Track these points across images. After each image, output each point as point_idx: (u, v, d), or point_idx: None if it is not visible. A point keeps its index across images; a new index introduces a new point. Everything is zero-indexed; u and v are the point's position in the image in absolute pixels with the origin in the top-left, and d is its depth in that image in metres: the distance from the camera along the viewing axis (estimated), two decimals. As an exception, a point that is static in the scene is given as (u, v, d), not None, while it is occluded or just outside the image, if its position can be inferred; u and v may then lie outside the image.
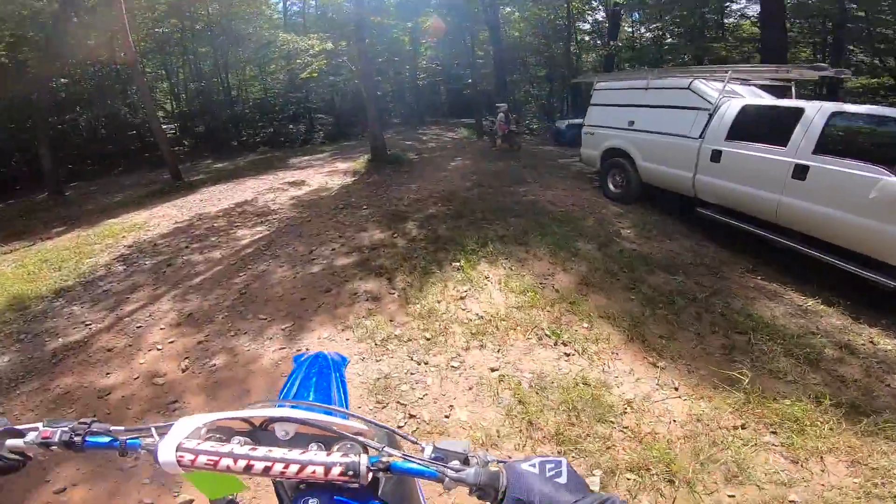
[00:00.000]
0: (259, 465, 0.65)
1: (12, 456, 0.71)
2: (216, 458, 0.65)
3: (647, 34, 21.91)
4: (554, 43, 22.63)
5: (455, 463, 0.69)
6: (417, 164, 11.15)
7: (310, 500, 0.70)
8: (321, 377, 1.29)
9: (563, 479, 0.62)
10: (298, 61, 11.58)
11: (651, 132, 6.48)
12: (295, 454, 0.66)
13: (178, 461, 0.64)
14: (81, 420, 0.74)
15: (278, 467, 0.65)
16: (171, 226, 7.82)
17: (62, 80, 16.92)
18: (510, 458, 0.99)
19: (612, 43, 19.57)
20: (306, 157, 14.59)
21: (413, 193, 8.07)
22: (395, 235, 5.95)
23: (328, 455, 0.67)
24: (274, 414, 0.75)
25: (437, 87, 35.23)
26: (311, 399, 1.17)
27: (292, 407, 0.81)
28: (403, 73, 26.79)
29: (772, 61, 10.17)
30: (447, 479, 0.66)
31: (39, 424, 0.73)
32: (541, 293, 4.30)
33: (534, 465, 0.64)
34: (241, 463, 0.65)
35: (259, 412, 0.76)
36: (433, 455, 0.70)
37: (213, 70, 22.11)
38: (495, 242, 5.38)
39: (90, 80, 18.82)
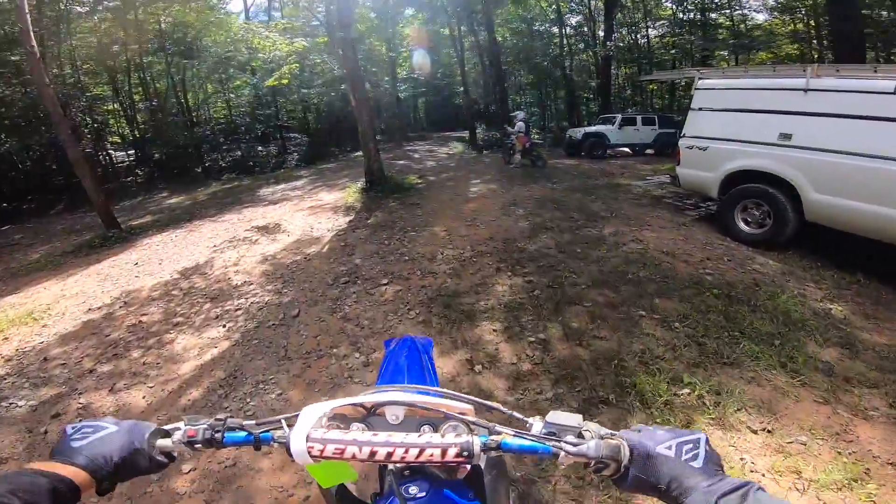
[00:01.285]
0: (382, 452, 0.63)
1: (160, 457, 0.69)
2: (343, 447, 0.63)
3: (652, 31, 19.95)
4: (541, 46, 20.34)
5: (569, 437, 0.64)
6: (427, 191, 8.45)
7: (411, 487, 0.71)
8: (412, 360, 1.27)
9: (698, 462, 0.57)
10: (264, 67, 8.72)
11: (832, 151, 4.03)
12: (413, 438, 0.64)
13: (308, 451, 0.63)
14: (217, 417, 0.71)
15: (399, 452, 0.63)
16: (81, 316, 4.93)
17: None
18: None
19: (608, 43, 17.44)
20: (280, 186, 11.65)
21: (447, 244, 5.38)
22: (470, 362, 3.10)
23: (442, 437, 0.65)
24: (387, 398, 0.72)
25: (415, 99, 32.76)
26: (406, 381, 1.16)
27: (402, 391, 0.76)
28: (382, 84, 24.08)
29: (848, 57, 8.07)
30: (563, 453, 0.62)
31: (181, 424, 0.71)
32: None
33: (670, 448, 0.59)
34: (366, 450, 0.63)
35: (374, 397, 0.73)
36: (544, 430, 0.66)
37: (170, 89, 18.81)
38: (689, 375, 2.73)
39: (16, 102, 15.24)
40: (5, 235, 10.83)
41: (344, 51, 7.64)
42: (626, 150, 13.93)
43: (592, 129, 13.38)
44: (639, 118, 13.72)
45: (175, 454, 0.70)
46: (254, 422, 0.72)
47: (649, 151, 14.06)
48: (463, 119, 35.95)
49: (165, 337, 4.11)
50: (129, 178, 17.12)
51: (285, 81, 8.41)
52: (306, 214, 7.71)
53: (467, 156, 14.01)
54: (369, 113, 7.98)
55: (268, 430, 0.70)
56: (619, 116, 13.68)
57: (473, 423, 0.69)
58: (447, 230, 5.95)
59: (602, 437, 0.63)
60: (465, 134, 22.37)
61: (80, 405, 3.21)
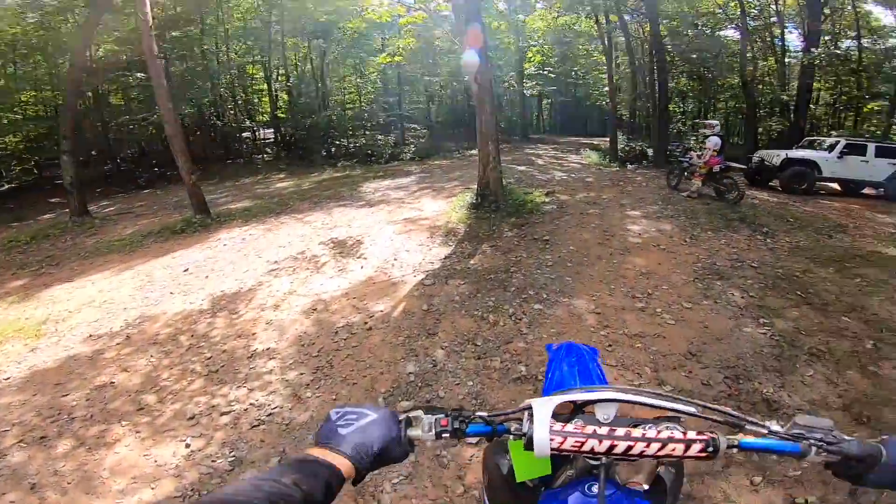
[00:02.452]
0: (622, 446, 0.60)
1: (408, 447, 0.67)
2: (583, 440, 0.61)
3: (866, 41, 14.30)
4: (712, 46, 15.63)
5: (817, 436, 0.59)
6: (559, 218, 5.88)
7: (594, 486, 0.67)
8: (581, 365, 1.17)
9: None
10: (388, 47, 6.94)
11: None
12: (652, 433, 0.61)
13: (549, 444, 0.61)
14: (453, 409, 0.69)
15: (640, 446, 0.60)
16: (73, 347, 3.57)
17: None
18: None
19: (813, 50, 12.47)
20: (386, 182, 10.00)
21: (601, 346, 2.86)
22: None
23: (685, 434, 0.61)
24: (613, 396, 0.67)
25: (541, 98, 29.57)
26: (577, 384, 1.08)
27: (617, 391, 0.69)
28: (508, 80, 21.59)
29: None
30: (812, 452, 0.58)
31: (420, 412, 0.68)
32: None
33: None
34: (606, 444, 0.60)
35: (598, 394, 0.68)
36: (790, 430, 0.61)
37: (308, 71, 18.71)
38: None
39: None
40: (130, 202, 10.96)
41: (469, 20, 5.39)
42: (836, 186, 9.55)
43: (798, 154, 9.28)
44: (871, 146, 9.21)
45: (416, 444, 0.68)
46: (486, 414, 0.69)
47: (869, 191, 9.50)
48: (593, 126, 32.06)
49: (109, 433, 2.41)
50: (259, 155, 17.28)
51: (399, 59, 6.56)
52: (397, 231, 5.72)
53: (606, 169, 10.92)
54: (492, 104, 5.65)
55: (503, 423, 0.69)
56: (841, 141, 9.34)
57: (699, 420, 0.65)
58: (598, 310, 3.40)
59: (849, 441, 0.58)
60: (600, 141, 18.91)
61: None
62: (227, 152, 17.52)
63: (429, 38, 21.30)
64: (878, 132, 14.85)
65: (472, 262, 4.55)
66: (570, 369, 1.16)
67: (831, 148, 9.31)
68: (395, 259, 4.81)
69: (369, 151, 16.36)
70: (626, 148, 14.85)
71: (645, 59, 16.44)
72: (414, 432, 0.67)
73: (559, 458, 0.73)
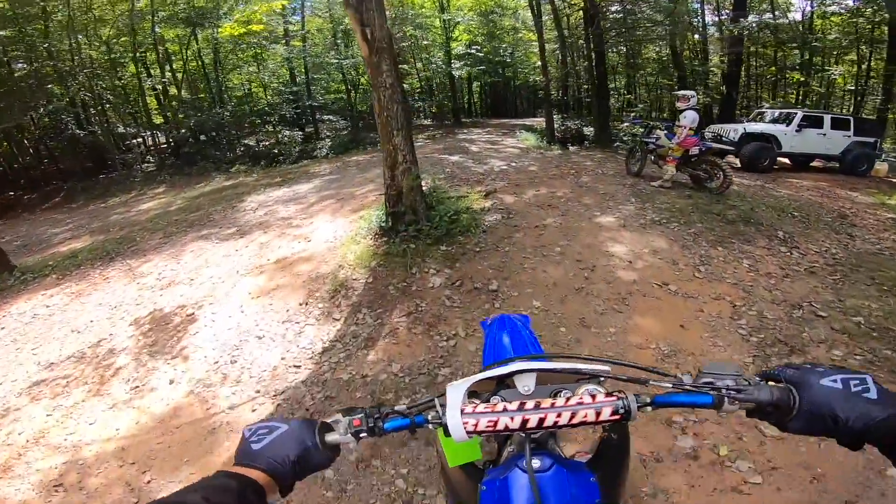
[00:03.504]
0: (534, 418, 0.58)
1: (329, 452, 0.64)
2: (495, 419, 0.59)
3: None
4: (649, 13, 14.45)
5: (728, 383, 0.57)
6: (508, 239, 3.98)
7: (534, 461, 0.63)
8: (514, 336, 1.19)
9: (872, 395, 0.50)
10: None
11: None
12: (561, 402, 0.59)
13: (464, 428, 0.59)
14: (371, 406, 0.67)
15: (552, 417, 0.57)
16: None
17: None
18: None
19: (742, 21, 11.63)
20: (280, 191, 7.59)
21: None
22: None
23: (594, 399, 0.58)
24: (521, 367, 0.65)
25: (470, 81, 27.64)
26: (511, 354, 1.10)
27: (531, 360, 0.69)
28: (434, 61, 19.46)
29: None
30: (726, 402, 0.55)
31: (338, 416, 0.66)
32: None
33: (835, 381, 0.52)
34: (518, 419, 0.58)
35: (508, 367, 0.66)
36: (700, 381, 0.59)
37: (197, 66, 15.24)
38: None
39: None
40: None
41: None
42: (787, 161, 8.65)
43: (756, 128, 8.15)
44: (827, 118, 8.33)
45: (341, 446, 0.66)
46: (405, 406, 0.67)
47: (818, 164, 8.74)
48: (523, 107, 30.74)
49: None
50: (140, 165, 13.74)
51: (256, 28, 4.20)
52: (257, 292, 3.51)
53: (548, 153, 9.26)
54: (395, 74, 3.54)
55: (419, 413, 0.66)
56: (798, 113, 8.35)
57: (615, 381, 0.65)
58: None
59: (767, 381, 0.56)
60: (532, 122, 17.43)
61: None
62: (98, 165, 13.85)
63: (336, 16, 18.55)
64: (799, 104, 14.73)
65: (370, 356, 2.52)
66: (502, 340, 1.17)
67: (787, 120, 8.31)
68: (234, 360, 2.65)
69: (276, 151, 13.60)
70: (562, 128, 13.44)
71: (577, 29, 15.04)
72: (332, 437, 0.64)
73: (503, 437, 0.76)
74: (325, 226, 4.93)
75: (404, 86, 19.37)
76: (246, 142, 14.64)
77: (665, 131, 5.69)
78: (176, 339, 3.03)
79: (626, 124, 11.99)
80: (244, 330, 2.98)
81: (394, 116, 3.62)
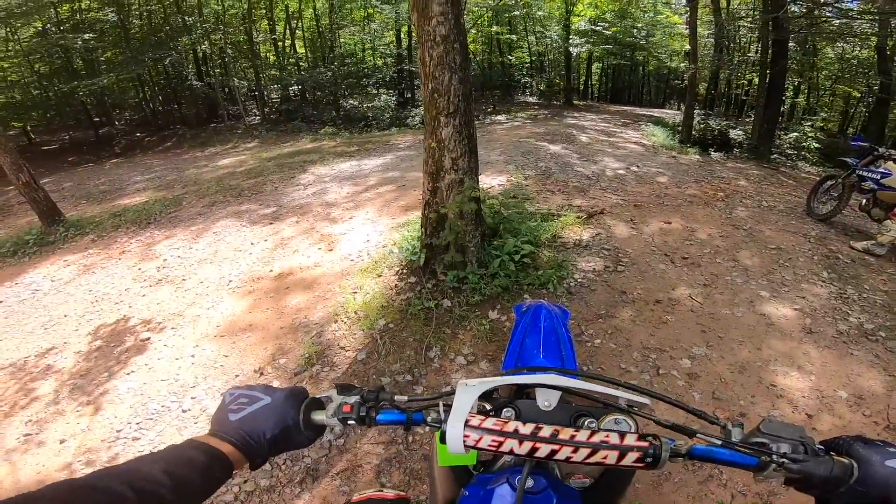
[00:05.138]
0: (544, 449, 0.50)
1: (312, 431, 0.59)
2: (500, 440, 0.51)
3: None
4: None
5: (782, 448, 0.49)
6: (614, 318, 2.41)
7: (528, 479, 0.56)
8: (549, 332, 1.05)
9: None
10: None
11: None
12: (583, 436, 0.50)
13: (463, 440, 0.52)
14: (370, 389, 0.61)
15: (566, 451, 0.50)
16: None
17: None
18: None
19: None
20: (347, 164, 6.69)
21: None
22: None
23: (622, 440, 0.50)
24: (552, 382, 0.57)
25: (590, 61, 24.22)
26: (541, 354, 0.97)
27: (560, 374, 0.60)
28: (549, 35, 17.18)
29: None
30: (772, 467, 0.48)
31: (332, 392, 0.61)
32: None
33: None
34: (526, 446, 0.50)
35: (530, 378, 0.58)
36: (751, 438, 0.51)
37: (314, 19, 15.04)
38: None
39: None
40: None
41: None
42: None
43: None
44: None
45: (325, 427, 0.61)
46: (406, 398, 0.61)
47: None
48: (650, 96, 26.32)
49: None
50: (242, 119, 14.10)
51: None
52: (225, 329, 2.51)
53: (683, 158, 7.00)
54: (455, 29, 2.06)
55: (420, 410, 0.60)
56: None
57: (646, 419, 0.55)
58: None
59: (829, 453, 0.50)
60: (663, 114, 14.38)
61: None
62: (210, 115, 14.59)
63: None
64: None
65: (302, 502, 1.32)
66: (535, 338, 1.03)
67: None
68: (140, 434, 1.90)
69: (369, 115, 12.95)
70: (702, 126, 10.57)
71: (736, 13, 11.63)
72: (318, 416, 0.59)
73: None
74: (361, 227, 3.75)
75: (510, 58, 17.45)
76: (343, 103, 14.24)
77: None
78: (108, 375, 2.26)
79: (793, 135, 8.94)
80: (179, 387, 2.11)
81: (443, 92, 2.19)
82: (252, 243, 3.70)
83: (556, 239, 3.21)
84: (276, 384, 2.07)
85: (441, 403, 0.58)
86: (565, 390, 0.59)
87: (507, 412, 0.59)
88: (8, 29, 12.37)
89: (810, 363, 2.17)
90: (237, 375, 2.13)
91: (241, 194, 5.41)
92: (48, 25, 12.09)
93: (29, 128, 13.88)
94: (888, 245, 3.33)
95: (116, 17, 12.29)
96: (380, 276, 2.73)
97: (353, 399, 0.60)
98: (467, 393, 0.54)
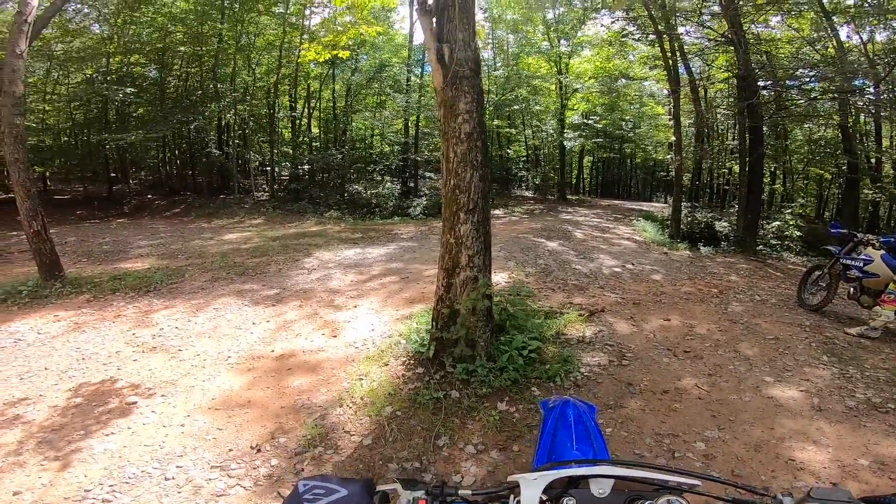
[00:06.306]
0: None
1: None
2: None
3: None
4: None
5: None
6: (622, 411, 2.35)
7: None
8: (578, 424, 1.08)
9: None
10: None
11: None
12: None
13: None
14: (434, 485, 0.63)
15: None
16: None
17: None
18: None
19: None
20: (351, 252, 6.89)
21: None
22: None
23: None
24: (608, 472, 0.63)
25: (582, 154, 26.28)
26: (574, 448, 1.00)
27: (611, 465, 0.67)
28: (545, 128, 18.70)
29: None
30: None
31: (397, 486, 0.63)
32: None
33: None
34: None
35: (592, 470, 0.64)
36: None
37: (330, 100, 16.30)
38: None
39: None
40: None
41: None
42: None
43: None
44: None
45: None
46: (470, 492, 0.63)
47: None
48: (637, 188, 28.06)
49: None
50: (251, 193, 14.64)
51: (345, 54, 3.52)
52: (220, 402, 2.42)
53: (675, 254, 7.31)
54: (478, 127, 2.34)
55: (487, 502, 0.63)
56: None
57: (700, 496, 0.59)
58: None
59: None
60: (651, 208, 15.25)
61: None
62: (221, 186, 15.24)
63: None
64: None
65: None
66: (566, 432, 1.05)
67: None
68: (110, 501, 1.62)
69: (373, 202, 13.54)
70: (689, 219, 11.13)
71: (724, 98, 12.87)
72: None
73: None
74: (365, 316, 3.79)
75: (508, 151, 18.82)
76: (349, 187, 14.91)
77: (883, 251, 3.66)
78: (83, 433, 2.18)
79: (775, 223, 9.39)
80: (164, 454, 2.02)
81: (465, 189, 2.41)
82: (254, 323, 3.70)
83: (559, 335, 3.26)
84: (273, 462, 1.98)
85: (512, 498, 0.61)
86: (618, 478, 0.62)
87: (569, 501, 0.61)
88: (60, 72, 13.00)
89: (825, 437, 2.19)
90: (230, 450, 2.03)
91: (244, 273, 5.49)
92: (96, 74, 12.58)
93: (48, 174, 13.95)
94: (881, 328, 3.43)
95: (158, 75, 13.13)
96: (386, 364, 2.72)
97: (421, 492, 0.61)
98: (533, 487, 0.58)
